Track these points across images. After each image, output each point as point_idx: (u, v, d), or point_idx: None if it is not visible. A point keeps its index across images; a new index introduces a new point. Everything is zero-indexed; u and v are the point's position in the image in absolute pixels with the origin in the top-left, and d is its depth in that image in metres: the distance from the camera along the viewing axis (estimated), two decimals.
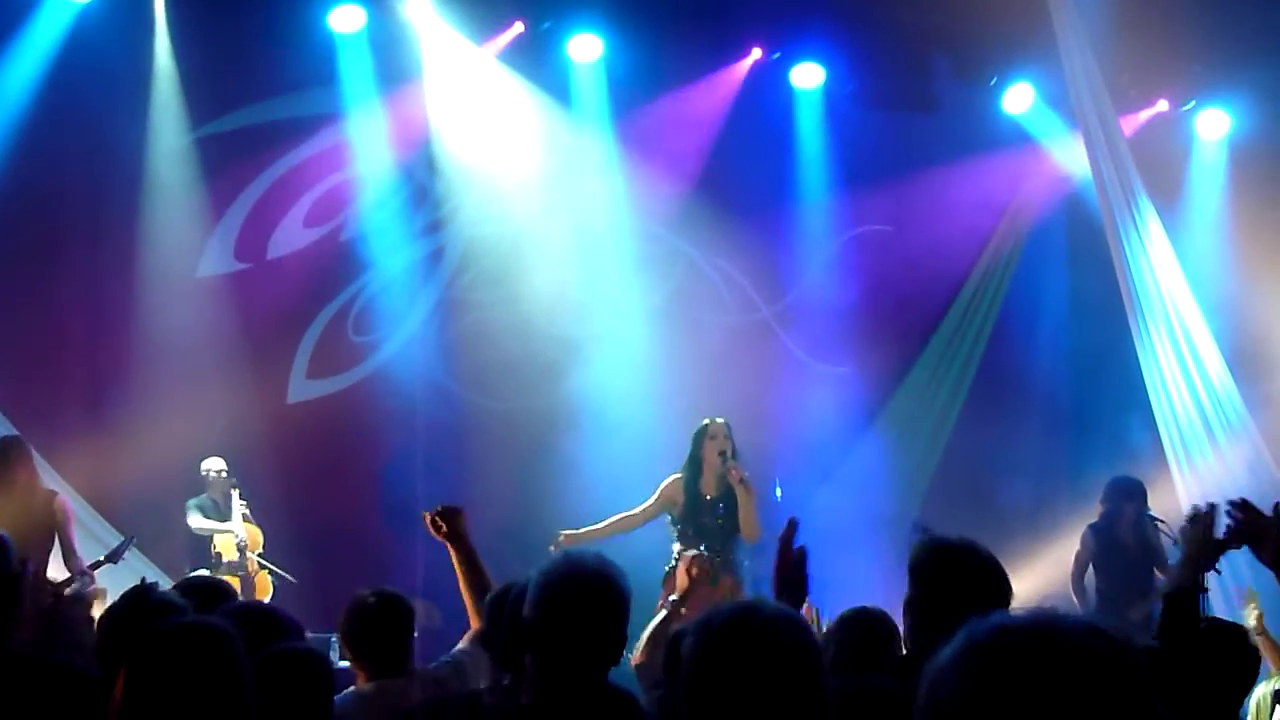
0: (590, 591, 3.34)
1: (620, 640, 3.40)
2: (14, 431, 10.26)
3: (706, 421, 9.17)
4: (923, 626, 3.85)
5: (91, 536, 9.64)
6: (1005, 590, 3.82)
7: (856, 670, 4.40)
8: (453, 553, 5.29)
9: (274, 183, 11.71)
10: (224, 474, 10.55)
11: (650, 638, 5.75)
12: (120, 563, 9.26)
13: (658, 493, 9.16)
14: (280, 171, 11.71)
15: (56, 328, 10.99)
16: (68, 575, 8.82)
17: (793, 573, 3.88)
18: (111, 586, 9.71)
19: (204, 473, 10.56)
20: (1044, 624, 1.81)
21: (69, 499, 9.44)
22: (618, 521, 9.16)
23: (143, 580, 4.60)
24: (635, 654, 5.78)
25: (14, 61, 10.64)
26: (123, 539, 9.48)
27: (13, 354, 10.77)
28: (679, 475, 9.15)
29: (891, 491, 12.54)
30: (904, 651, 4.09)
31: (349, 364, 11.94)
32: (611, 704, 3.41)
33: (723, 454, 8.96)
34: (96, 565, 9.07)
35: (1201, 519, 4.47)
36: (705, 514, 9.01)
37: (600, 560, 3.45)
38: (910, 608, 3.90)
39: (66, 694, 3.70)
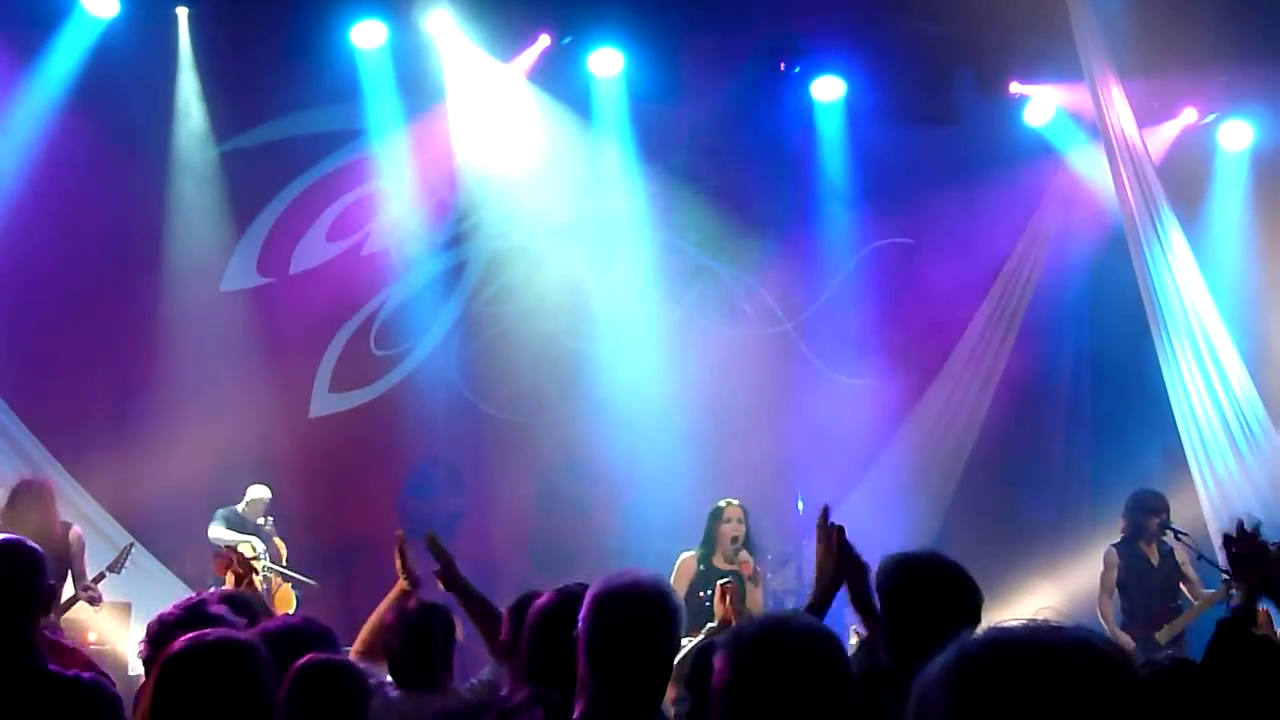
0: (642, 604, 3.30)
1: (671, 655, 3.36)
2: (40, 446, 10.34)
3: (723, 504, 8.96)
4: (896, 643, 3.78)
5: (114, 549, 9.66)
6: (976, 602, 3.77)
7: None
8: (456, 599, 5.26)
9: (297, 197, 11.77)
10: (264, 501, 10.55)
11: (679, 662, 5.66)
12: (122, 572, 9.31)
13: (675, 575, 8.85)
14: (303, 186, 11.77)
15: (81, 342, 11.03)
16: (71, 595, 8.89)
17: (839, 552, 4.18)
18: (134, 597, 9.80)
19: (248, 499, 10.54)
20: (1037, 636, 1.77)
21: (81, 529, 9.47)
22: None
23: (206, 589, 4.64)
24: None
25: (39, 76, 10.72)
26: (122, 548, 9.53)
27: (38, 368, 10.83)
28: (693, 553, 9.05)
29: (915, 504, 12.51)
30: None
31: (371, 378, 11.97)
32: None
33: (735, 539, 8.90)
34: (99, 578, 9.10)
35: (1245, 540, 4.33)
36: (713, 585, 8.88)
37: (653, 575, 3.43)
38: (882, 625, 3.85)
39: (96, 710, 3.72)
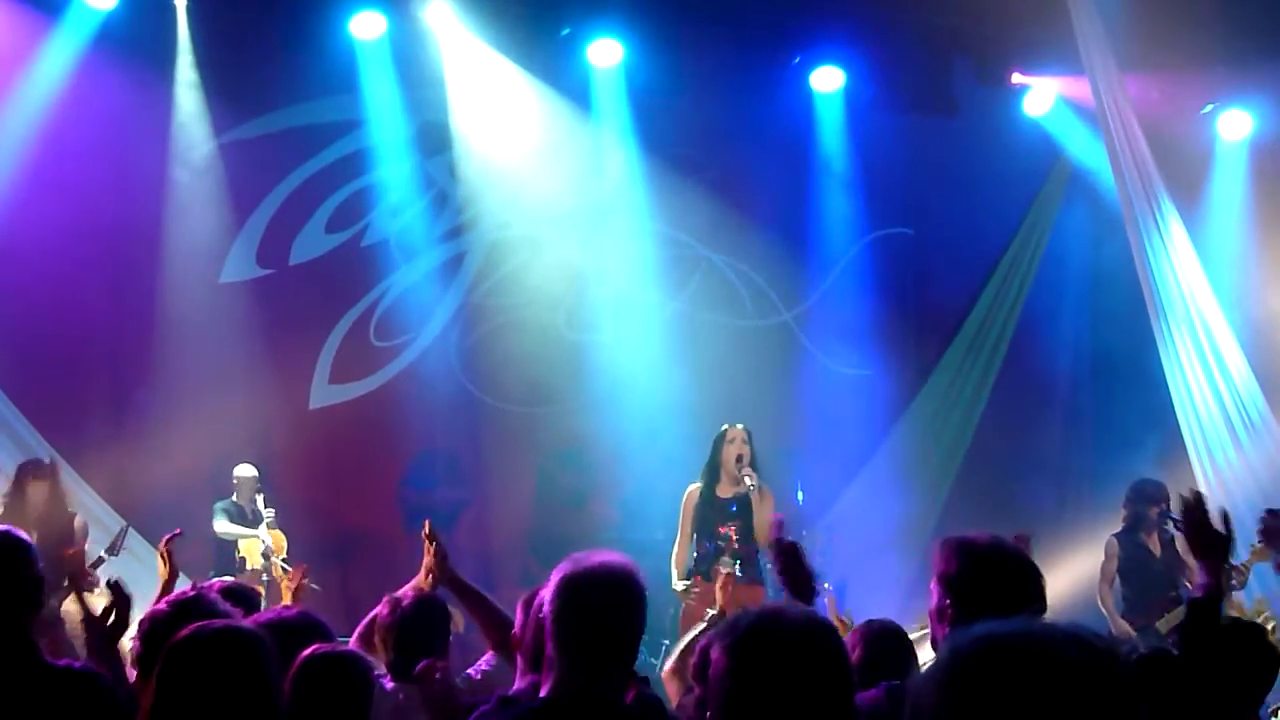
0: (610, 586, 3.32)
1: (638, 636, 3.38)
2: (39, 437, 10.34)
3: (726, 427, 9.12)
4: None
5: (112, 538, 9.65)
6: (1039, 587, 3.66)
7: (874, 682, 4.27)
8: (453, 594, 5.21)
9: (296, 189, 11.76)
10: (253, 480, 10.58)
11: (684, 649, 5.66)
12: (120, 554, 9.27)
13: (682, 509, 9.09)
14: (302, 178, 11.76)
15: (80, 334, 11.03)
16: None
17: (795, 569, 4.14)
18: (135, 589, 9.77)
19: (235, 479, 10.58)
20: (1027, 634, 1.79)
21: (86, 518, 9.46)
22: (676, 561, 9.06)
23: (193, 585, 4.61)
24: (667, 665, 5.75)
25: (38, 68, 10.70)
26: (119, 529, 9.49)
27: (37, 359, 10.83)
28: (696, 485, 9.10)
29: (914, 494, 12.52)
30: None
31: (371, 369, 11.97)
32: (639, 701, 3.40)
33: (739, 458, 8.91)
34: (97, 563, 9.05)
35: (1193, 509, 4.33)
36: (719, 514, 8.95)
37: (621, 557, 3.44)
38: (942, 615, 3.68)
39: (93, 701, 3.71)
